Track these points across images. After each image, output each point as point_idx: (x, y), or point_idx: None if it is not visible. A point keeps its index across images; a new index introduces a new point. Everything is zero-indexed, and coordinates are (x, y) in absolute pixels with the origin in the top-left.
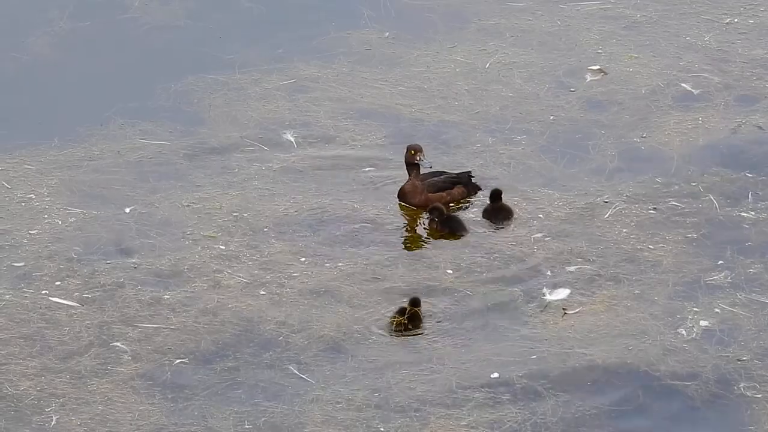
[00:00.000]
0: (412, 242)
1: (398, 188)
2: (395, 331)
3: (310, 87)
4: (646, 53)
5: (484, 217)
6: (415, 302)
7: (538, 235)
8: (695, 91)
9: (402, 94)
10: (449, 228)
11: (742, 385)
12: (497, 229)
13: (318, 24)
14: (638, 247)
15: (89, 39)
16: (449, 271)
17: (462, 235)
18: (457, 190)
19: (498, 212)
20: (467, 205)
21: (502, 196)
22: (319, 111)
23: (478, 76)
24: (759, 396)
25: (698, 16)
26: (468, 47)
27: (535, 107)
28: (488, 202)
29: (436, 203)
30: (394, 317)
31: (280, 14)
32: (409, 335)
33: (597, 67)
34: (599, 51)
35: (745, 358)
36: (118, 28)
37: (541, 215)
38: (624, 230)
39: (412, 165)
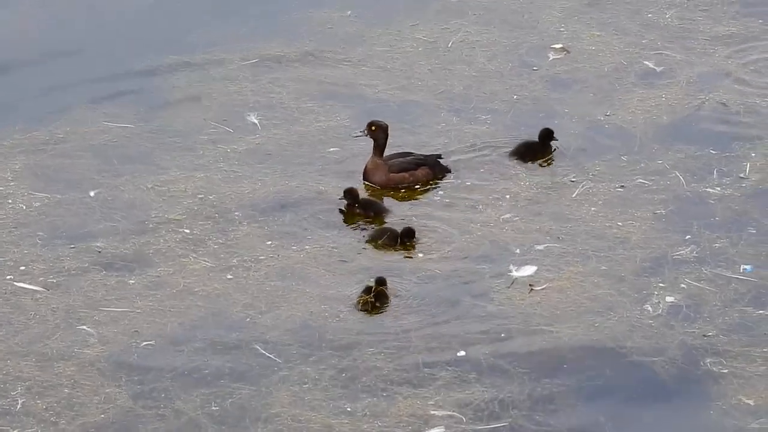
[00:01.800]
0: (379, 223)
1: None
2: (362, 309)
3: (274, 68)
4: (609, 31)
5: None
6: (380, 281)
7: (507, 215)
8: (658, 69)
9: (365, 74)
10: (372, 211)
11: (708, 360)
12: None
13: (280, 3)
14: (606, 224)
15: (52, 22)
16: (420, 255)
17: (385, 215)
18: (421, 171)
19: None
20: (435, 186)
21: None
22: (282, 92)
23: (441, 55)
24: (725, 371)
25: None
26: (430, 26)
27: (498, 86)
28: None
29: (350, 187)
30: (361, 296)
31: None
32: (375, 314)
33: (560, 45)
34: (561, 29)
35: (710, 334)
36: (82, 10)
37: (508, 195)
38: (592, 208)
39: (376, 143)
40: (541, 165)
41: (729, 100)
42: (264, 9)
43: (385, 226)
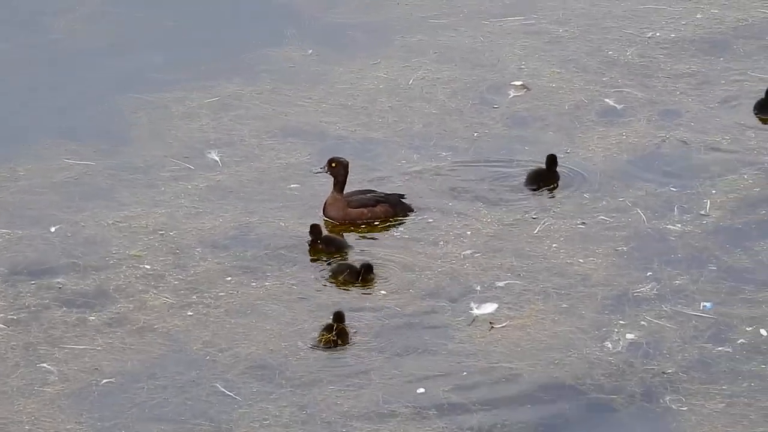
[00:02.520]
0: (340, 259)
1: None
2: (324, 347)
3: (234, 105)
4: (569, 68)
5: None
6: (339, 317)
7: (468, 251)
8: (619, 106)
9: (326, 112)
10: (335, 247)
11: (667, 398)
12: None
13: (241, 42)
14: (567, 261)
15: (14, 59)
16: (382, 292)
17: (346, 254)
18: (380, 208)
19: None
20: (396, 222)
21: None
22: (243, 129)
23: (401, 92)
24: (684, 408)
25: (620, 30)
26: (391, 64)
27: (458, 124)
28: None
29: (314, 223)
30: (322, 334)
31: (202, 32)
32: (336, 351)
33: (520, 83)
34: (522, 67)
35: (670, 371)
36: (43, 49)
37: (469, 232)
38: (553, 245)
39: (336, 179)
40: (549, 191)
41: (689, 137)
42: (225, 47)
43: (346, 262)
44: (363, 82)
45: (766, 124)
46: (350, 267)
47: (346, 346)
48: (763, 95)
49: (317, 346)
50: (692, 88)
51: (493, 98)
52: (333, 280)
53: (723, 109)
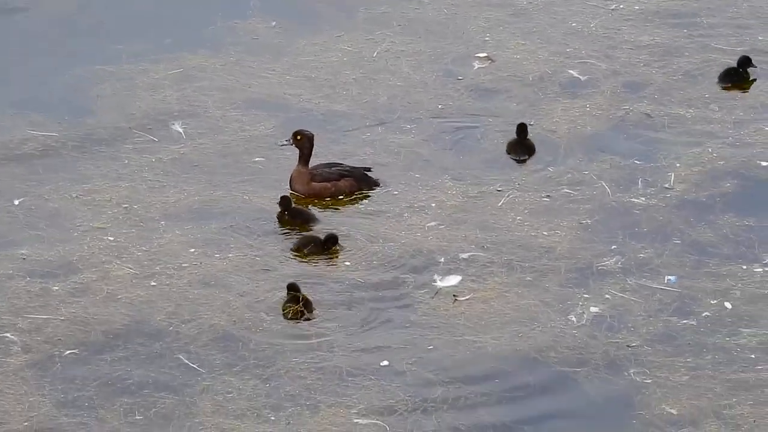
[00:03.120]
0: (302, 231)
1: (288, 177)
2: (292, 319)
3: (198, 77)
4: (533, 40)
5: (508, 151)
6: (293, 287)
7: (432, 223)
8: (582, 78)
9: (290, 84)
10: (301, 219)
11: (632, 370)
12: (520, 160)
13: (205, 14)
14: (532, 234)
15: None
16: (347, 263)
17: (312, 227)
18: (344, 183)
19: (519, 146)
20: (361, 195)
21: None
22: (207, 101)
23: (365, 65)
24: (648, 381)
25: (584, 2)
26: (355, 36)
27: (423, 96)
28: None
29: (285, 194)
30: (288, 306)
31: (166, 4)
32: (299, 323)
33: (484, 54)
34: (486, 38)
35: (634, 344)
36: (6, 19)
37: (434, 204)
38: (518, 218)
39: (301, 152)
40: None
41: (653, 110)
42: (189, 19)
43: (310, 234)
44: (327, 54)
45: (728, 91)
46: (314, 239)
47: (311, 316)
48: (727, 67)
49: (284, 317)
50: (656, 60)
51: (457, 70)
52: (297, 253)
53: (687, 82)
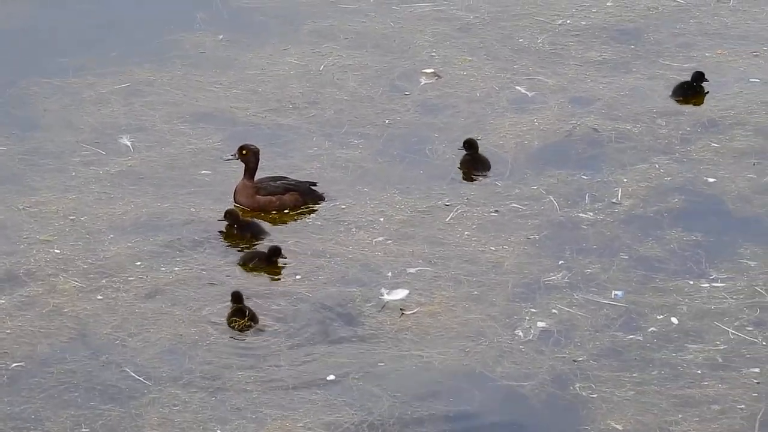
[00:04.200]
0: (250, 245)
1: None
2: (240, 332)
3: (145, 91)
4: (480, 56)
5: (461, 167)
6: (237, 298)
7: (379, 237)
8: (530, 94)
9: (237, 97)
10: (250, 233)
11: (577, 385)
12: (478, 177)
13: (151, 27)
14: (479, 248)
15: None
16: (297, 276)
17: (263, 239)
18: (289, 197)
19: (477, 162)
20: (308, 209)
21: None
22: (154, 115)
23: (312, 78)
24: (594, 396)
25: (531, 17)
26: (302, 50)
27: (370, 111)
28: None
29: (231, 208)
30: (234, 320)
31: (113, 18)
32: (246, 337)
33: (431, 70)
34: (433, 54)
35: (581, 359)
36: None
37: (381, 218)
38: (466, 232)
39: (246, 166)
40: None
41: (600, 125)
42: (135, 33)
43: (256, 248)
44: (273, 67)
45: (676, 106)
46: (259, 254)
47: (260, 327)
48: (681, 81)
49: (233, 329)
50: (603, 75)
51: (404, 85)
52: (243, 267)
53: (634, 97)
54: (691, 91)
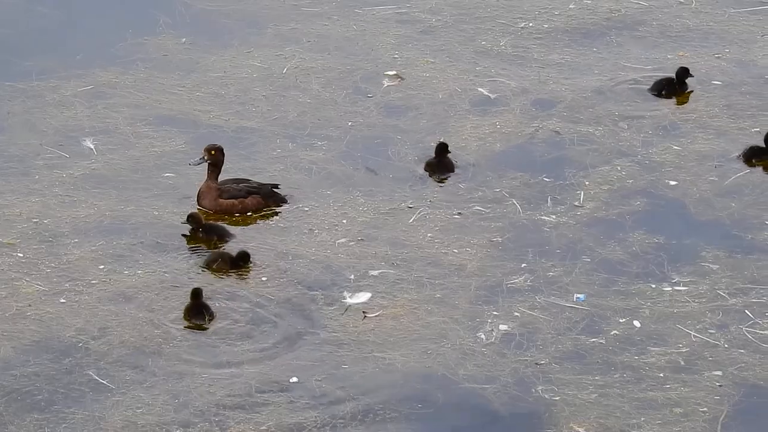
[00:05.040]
0: (214, 247)
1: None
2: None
3: (109, 93)
4: (443, 58)
5: (426, 170)
6: (197, 293)
7: (342, 240)
8: (492, 96)
9: (200, 100)
10: (216, 235)
11: (540, 388)
12: (440, 180)
13: (115, 31)
14: (442, 251)
15: None
16: (263, 278)
17: (228, 240)
18: (251, 200)
19: (440, 166)
20: (272, 211)
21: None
22: (118, 117)
23: (275, 81)
24: (557, 398)
25: (493, 20)
26: (265, 52)
27: (333, 113)
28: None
29: (193, 212)
30: (192, 322)
31: (76, 21)
32: (208, 339)
33: (394, 72)
34: (396, 56)
35: (543, 362)
36: None
37: (344, 220)
38: (429, 235)
39: (214, 167)
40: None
41: (562, 128)
42: (99, 36)
43: (220, 250)
44: (236, 70)
45: (660, 99)
46: (223, 255)
47: (218, 328)
48: (663, 77)
49: (193, 329)
50: (565, 78)
51: (367, 87)
52: (206, 269)
53: (596, 100)
54: (670, 88)
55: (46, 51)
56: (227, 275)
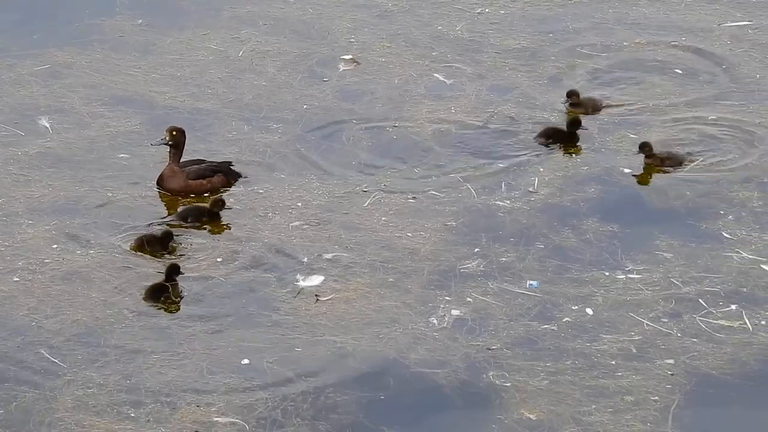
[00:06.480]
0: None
1: (153, 174)
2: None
3: (65, 73)
4: (399, 43)
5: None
6: (174, 269)
7: (296, 223)
8: (448, 81)
9: (155, 81)
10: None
11: (491, 373)
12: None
13: (72, 11)
14: (396, 235)
15: None
16: (218, 260)
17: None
18: (218, 179)
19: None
20: (225, 193)
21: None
22: (74, 97)
23: (231, 64)
24: (508, 384)
25: (450, 5)
26: (221, 35)
27: (288, 96)
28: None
29: (220, 196)
30: (163, 299)
31: (34, 1)
32: (160, 320)
33: (350, 56)
34: (352, 40)
35: (495, 347)
36: None
37: (299, 203)
38: (383, 218)
39: (176, 149)
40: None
41: (517, 113)
42: (55, 16)
43: (147, 233)
44: (193, 52)
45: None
46: (152, 238)
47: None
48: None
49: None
50: (521, 64)
51: (323, 71)
52: (142, 252)
53: (552, 86)
54: (560, 136)
55: (2, 30)
56: (180, 257)
